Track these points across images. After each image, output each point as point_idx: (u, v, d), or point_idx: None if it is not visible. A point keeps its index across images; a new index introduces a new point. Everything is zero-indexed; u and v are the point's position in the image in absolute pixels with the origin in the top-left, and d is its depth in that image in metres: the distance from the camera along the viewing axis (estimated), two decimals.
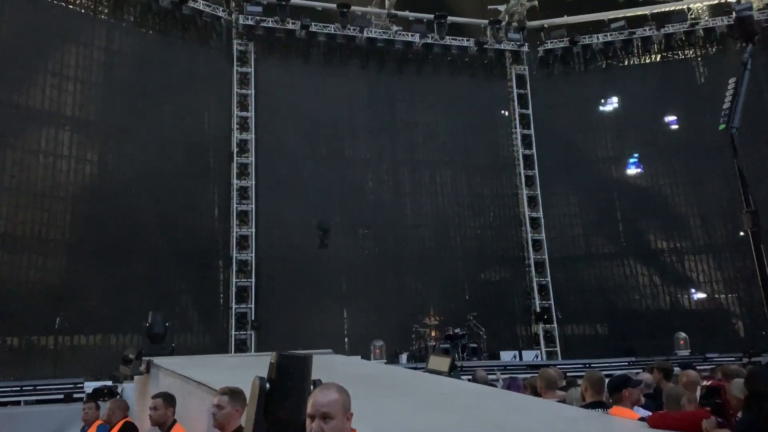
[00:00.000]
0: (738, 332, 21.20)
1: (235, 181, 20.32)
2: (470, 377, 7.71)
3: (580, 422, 4.12)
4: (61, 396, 11.73)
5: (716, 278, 21.98)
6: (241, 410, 4.21)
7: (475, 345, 18.79)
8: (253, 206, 20.23)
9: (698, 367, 11.61)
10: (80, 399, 10.99)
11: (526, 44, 23.96)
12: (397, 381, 5.66)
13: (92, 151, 18.66)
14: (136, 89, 19.23)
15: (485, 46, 23.44)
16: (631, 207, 23.06)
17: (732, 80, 2.00)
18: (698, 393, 5.96)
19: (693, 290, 22.23)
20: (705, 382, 7.15)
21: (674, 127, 23.11)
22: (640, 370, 9.43)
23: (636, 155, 23.23)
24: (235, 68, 21.21)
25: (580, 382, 7.24)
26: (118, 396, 7.88)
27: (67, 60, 18.50)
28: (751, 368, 4.06)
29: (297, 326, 18.99)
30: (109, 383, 10.98)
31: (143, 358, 6.65)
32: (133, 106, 19.00)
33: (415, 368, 9.57)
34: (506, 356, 18.97)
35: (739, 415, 3.68)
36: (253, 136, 20.82)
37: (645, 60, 23.93)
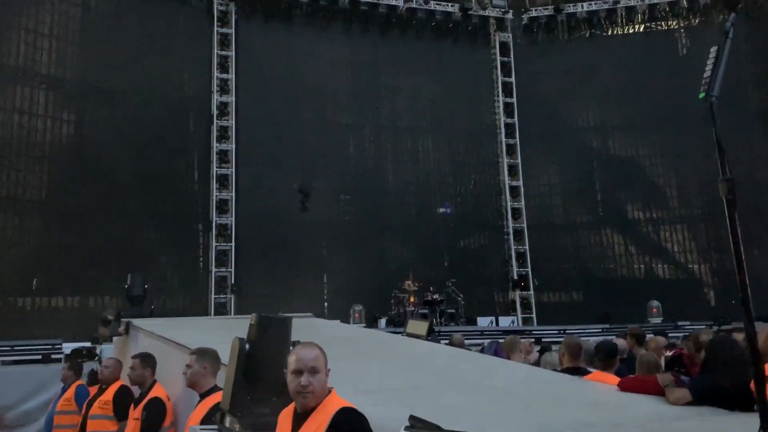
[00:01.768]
0: (709, 301, 21.71)
1: (215, 144, 20.08)
2: (448, 341, 7.84)
3: (553, 384, 4.23)
4: (39, 357, 11.71)
5: (690, 248, 22.40)
6: (210, 368, 4.26)
7: (453, 311, 19.02)
8: (234, 170, 20.06)
9: (670, 335, 11.92)
10: (58, 360, 11.00)
11: (511, 11, 23.76)
12: (376, 343, 5.75)
13: (69, 110, 18.31)
14: (114, 48, 18.77)
15: (470, 12, 23.21)
16: (610, 177, 23.28)
17: (713, 49, 2.00)
18: (663, 360, 6.16)
19: (667, 260, 22.63)
20: (668, 352, 7.39)
21: (656, 97, 23.14)
22: (614, 337, 9.66)
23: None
24: (215, 29, 20.75)
25: (554, 348, 7.42)
26: (98, 357, 7.88)
27: (42, 16, 17.99)
28: (715, 335, 4.22)
29: (277, 290, 19.07)
30: (88, 344, 10.96)
31: (122, 319, 6.65)
32: (110, 64, 18.59)
33: (393, 332, 9.69)
34: (483, 322, 19.22)
35: None
36: (234, 98, 20.52)
37: (628, 30, 23.87)
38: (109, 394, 5.63)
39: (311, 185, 19.87)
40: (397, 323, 17.53)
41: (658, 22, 23.58)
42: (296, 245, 20.34)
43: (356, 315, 18.42)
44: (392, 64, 23.36)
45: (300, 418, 2.71)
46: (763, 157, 21.28)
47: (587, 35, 23.90)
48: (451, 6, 23.12)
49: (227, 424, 3.20)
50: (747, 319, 2.11)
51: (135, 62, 19.05)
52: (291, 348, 3.26)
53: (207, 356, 4.30)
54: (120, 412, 5.49)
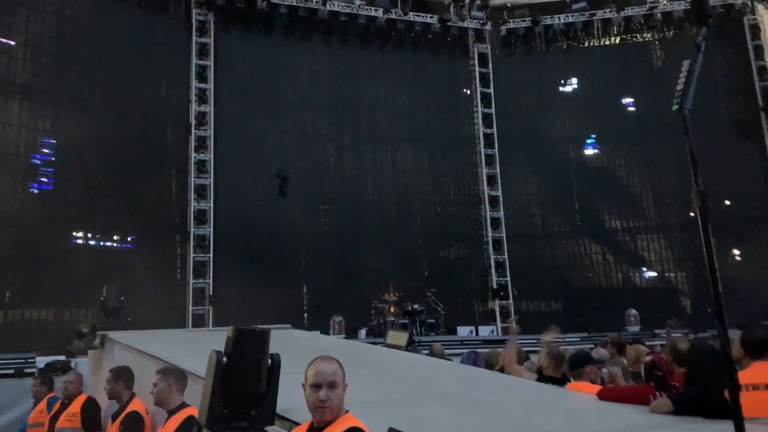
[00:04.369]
0: (685, 309, 21.98)
1: (193, 154, 19.93)
2: (428, 351, 7.82)
3: (533, 394, 4.24)
4: (12, 371, 11.48)
5: (666, 257, 22.69)
6: (175, 385, 4.23)
7: (433, 320, 19.03)
8: (212, 180, 19.92)
9: (647, 343, 12.02)
10: (32, 374, 10.78)
11: (489, 23, 24.00)
12: (354, 355, 5.71)
13: (44, 120, 18.09)
14: (91, 57, 18.61)
15: (448, 24, 23.39)
16: (588, 187, 23.54)
17: (686, 62, 2.03)
18: (642, 367, 6.17)
19: (644, 269, 22.90)
20: (647, 357, 7.41)
21: (631, 109, 23.58)
22: (593, 346, 9.72)
23: (593, 136, 23.66)
24: (194, 38, 20.67)
25: (533, 357, 7.42)
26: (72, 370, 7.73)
27: (17, 25, 17.80)
28: (693, 343, 4.20)
29: (256, 302, 18.87)
30: (62, 358, 10.77)
31: (97, 332, 6.54)
32: (87, 74, 18.42)
33: (373, 343, 9.67)
34: (463, 332, 19.26)
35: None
36: (212, 108, 20.42)
37: (604, 42, 24.25)
38: (76, 406, 5.57)
39: (290, 170, 19.75)
40: (377, 334, 17.50)
41: (634, 35, 24.00)
42: (275, 256, 20.23)
43: (336, 326, 18.35)
44: (371, 75, 23.45)
45: None
46: (734, 168, 21.69)
47: (564, 47, 24.21)
48: (430, 17, 23.29)
49: None
50: (721, 328, 2.13)
51: (112, 72, 18.87)
52: (270, 361, 3.24)
53: (171, 374, 4.28)
54: (88, 424, 5.43)
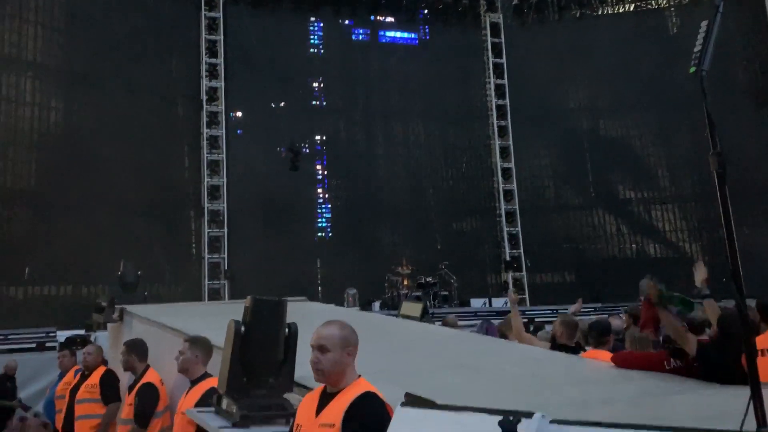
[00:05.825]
0: None
1: (204, 129, 19.94)
2: (441, 322, 7.87)
3: (547, 362, 4.27)
4: (34, 345, 11.73)
5: (681, 227, 22.54)
6: (201, 356, 4.32)
7: (446, 293, 19.08)
8: (224, 156, 19.94)
9: None
10: (53, 348, 11.00)
11: None
12: (371, 326, 5.76)
13: (56, 98, 18.13)
14: (100, 33, 18.54)
15: None
16: (601, 158, 23.31)
17: (704, 23, 1.99)
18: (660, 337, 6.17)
19: (658, 239, 22.76)
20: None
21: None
22: (606, 316, 9.73)
23: None
24: (203, 13, 20.51)
25: (547, 327, 7.45)
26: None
27: (26, 3, 17.74)
28: (725, 311, 4.21)
29: (270, 276, 19.03)
30: (82, 332, 10.97)
31: (116, 305, 6.65)
32: (97, 51, 18.36)
33: (388, 315, 9.73)
34: (476, 303, 19.33)
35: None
36: (223, 83, 20.35)
37: (618, 10, 23.81)
38: (95, 377, 5.71)
39: (301, 145, 19.81)
40: (390, 306, 17.59)
41: (648, 1, 23.53)
42: (289, 230, 20.31)
43: (350, 299, 18.45)
44: (382, 48, 23.23)
45: (327, 398, 2.75)
46: (752, 134, 21.34)
47: (577, 15, 23.82)
48: None
49: (224, 407, 3.22)
50: (739, 296, 2.11)
51: (122, 48, 18.82)
52: (287, 330, 3.29)
53: (199, 345, 4.36)
54: (107, 395, 5.57)
